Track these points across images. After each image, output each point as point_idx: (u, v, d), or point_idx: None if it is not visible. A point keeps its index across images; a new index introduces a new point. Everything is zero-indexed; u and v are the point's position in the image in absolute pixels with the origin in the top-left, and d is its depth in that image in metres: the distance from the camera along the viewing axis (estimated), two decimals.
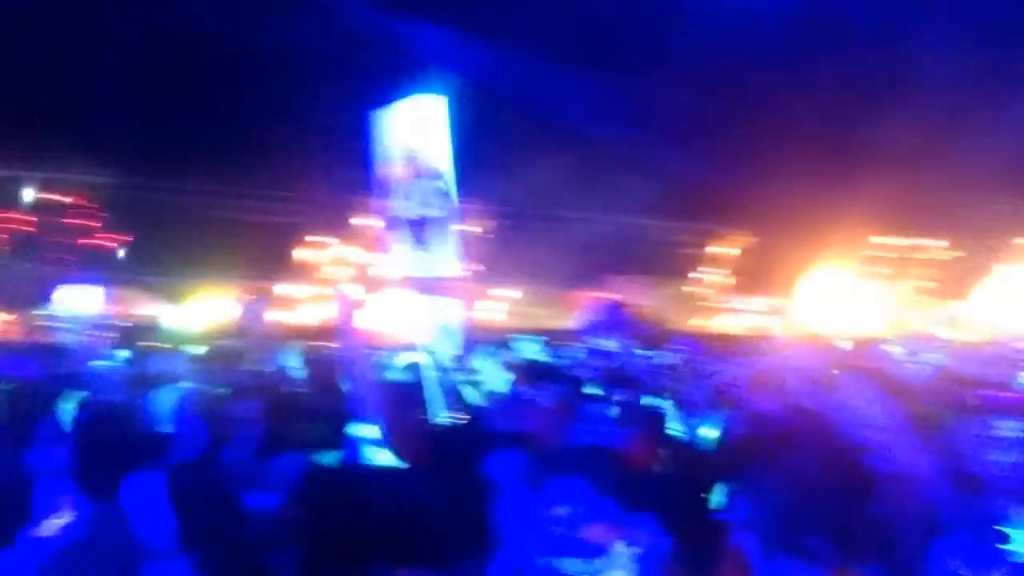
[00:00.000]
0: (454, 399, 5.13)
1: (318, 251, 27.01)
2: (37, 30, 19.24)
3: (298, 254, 26.92)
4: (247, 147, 22.61)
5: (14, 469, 3.84)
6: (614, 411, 4.77)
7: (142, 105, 20.58)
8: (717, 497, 3.87)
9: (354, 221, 24.24)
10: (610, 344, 6.65)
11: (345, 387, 4.48)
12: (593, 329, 7.12)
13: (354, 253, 24.91)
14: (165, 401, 4.94)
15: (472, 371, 5.86)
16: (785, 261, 21.57)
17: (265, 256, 24.01)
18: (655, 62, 19.46)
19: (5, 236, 25.49)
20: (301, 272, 26.20)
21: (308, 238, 26.89)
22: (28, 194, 25.75)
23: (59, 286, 18.99)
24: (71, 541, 2.74)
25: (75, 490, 2.85)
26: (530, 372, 5.28)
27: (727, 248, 30.47)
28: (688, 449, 4.79)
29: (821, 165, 21.13)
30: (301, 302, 23.96)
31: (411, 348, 6.90)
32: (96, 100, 19.96)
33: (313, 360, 6.75)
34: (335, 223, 25.40)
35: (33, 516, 2.85)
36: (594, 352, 6.62)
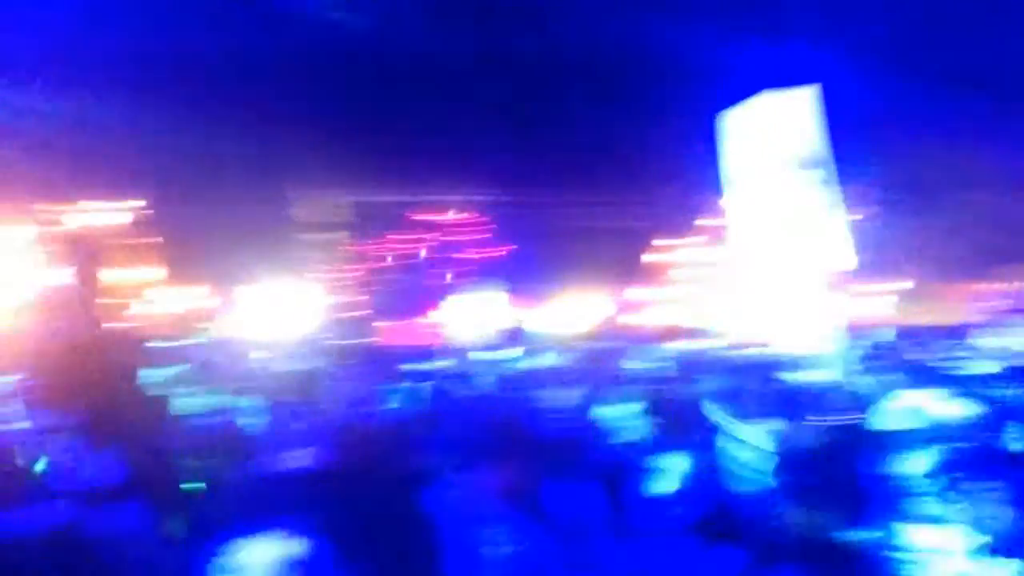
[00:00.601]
0: (839, 399, 4.92)
1: (673, 253, 27.18)
2: (416, 76, 21.63)
3: (652, 257, 27.28)
4: (603, 157, 23.52)
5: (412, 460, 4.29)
6: None
7: (513, 129, 22.41)
8: None
9: (711, 222, 24.10)
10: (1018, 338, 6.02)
11: (718, 387, 4.49)
12: (995, 323, 6.54)
13: (712, 253, 24.78)
14: (558, 400, 5.26)
15: (856, 370, 5.60)
16: None
17: (625, 260, 24.87)
18: None
19: (414, 251, 29.48)
20: (658, 274, 26.55)
21: (660, 241, 27.16)
22: (426, 214, 29.60)
23: (456, 294, 21.36)
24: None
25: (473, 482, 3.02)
26: (921, 372, 4.95)
27: None
28: None
29: None
30: (664, 303, 24.32)
31: (785, 346, 6.72)
32: (479, 130, 22.03)
33: (685, 361, 6.82)
34: (688, 224, 25.45)
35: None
36: (995, 347, 6.01)
